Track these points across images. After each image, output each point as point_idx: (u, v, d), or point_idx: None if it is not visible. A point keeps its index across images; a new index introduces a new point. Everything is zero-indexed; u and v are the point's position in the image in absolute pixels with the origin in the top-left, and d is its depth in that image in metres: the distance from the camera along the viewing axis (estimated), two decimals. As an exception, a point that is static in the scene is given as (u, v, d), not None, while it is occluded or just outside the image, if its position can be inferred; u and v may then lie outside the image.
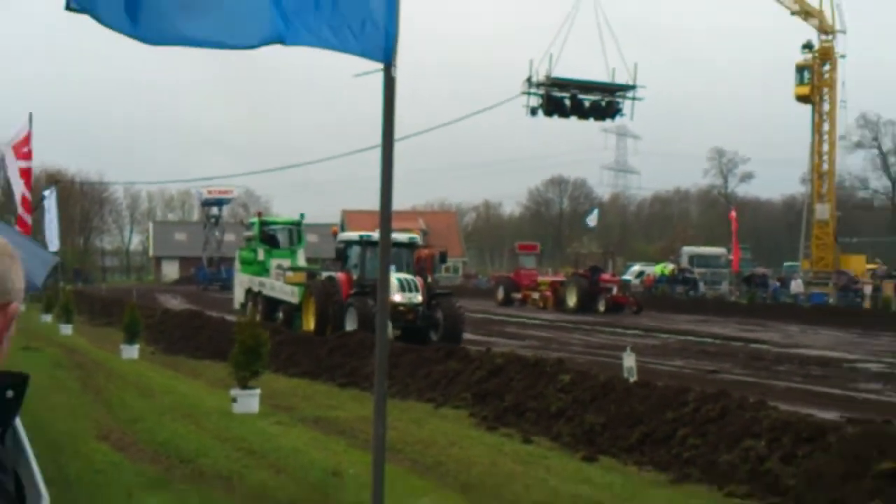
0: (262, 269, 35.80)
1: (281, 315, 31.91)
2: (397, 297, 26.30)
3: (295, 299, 30.84)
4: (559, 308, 50.11)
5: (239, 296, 36.33)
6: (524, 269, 60.51)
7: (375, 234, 28.59)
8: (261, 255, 36.52)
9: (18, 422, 2.36)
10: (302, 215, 39.77)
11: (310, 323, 28.48)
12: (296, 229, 38.24)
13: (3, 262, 2.24)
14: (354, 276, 28.56)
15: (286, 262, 35.34)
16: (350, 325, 26.28)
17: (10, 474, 2.09)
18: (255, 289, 34.39)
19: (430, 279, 33.58)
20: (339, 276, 28.57)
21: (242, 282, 36.34)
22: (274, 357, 18.37)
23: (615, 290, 50.08)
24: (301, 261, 36.56)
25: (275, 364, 19.16)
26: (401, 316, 26.36)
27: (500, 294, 57.20)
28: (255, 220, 39.29)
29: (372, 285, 25.94)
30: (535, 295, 53.69)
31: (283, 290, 32.00)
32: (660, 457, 12.28)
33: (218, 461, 11.76)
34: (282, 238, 37.61)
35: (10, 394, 2.24)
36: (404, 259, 28.87)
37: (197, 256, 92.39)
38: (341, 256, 29.65)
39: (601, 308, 48.44)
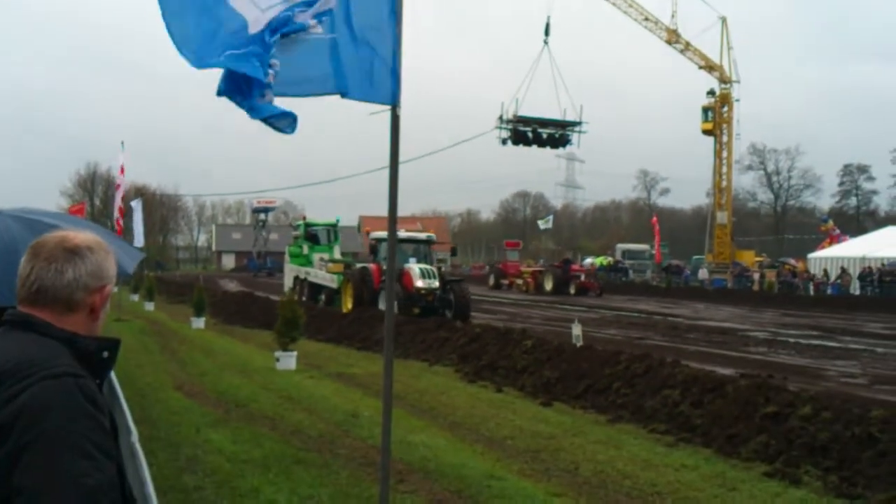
0: (307, 261, 35.21)
1: (323, 297, 31.44)
2: (420, 283, 25.78)
3: (334, 285, 30.24)
4: (538, 291, 49.63)
5: (288, 282, 35.69)
6: (510, 261, 60.07)
7: (401, 233, 27.87)
8: (305, 250, 35.89)
9: (113, 375, 2.37)
10: (338, 218, 39.32)
11: (348, 304, 27.68)
12: (332, 229, 37.60)
13: (101, 255, 2.26)
14: (384, 267, 26.96)
15: (326, 256, 34.73)
16: (382, 305, 24.73)
17: (107, 415, 2.08)
18: (302, 276, 33.94)
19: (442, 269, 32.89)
20: (372, 266, 27.61)
21: (291, 271, 35.89)
22: (307, 327, 18.32)
23: (583, 277, 49.70)
24: (337, 254, 35.88)
25: (307, 332, 19.11)
26: (422, 298, 25.68)
27: (492, 280, 56.67)
28: (301, 222, 38.66)
29: (399, 274, 25.88)
30: (520, 281, 53.10)
31: (325, 277, 31.51)
32: (599, 403, 12.28)
33: (264, 405, 11.76)
34: (321, 236, 36.89)
35: (105, 354, 2.25)
36: (423, 252, 28.16)
37: (248, 251, 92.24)
38: (373, 251, 28.60)
39: (572, 291, 47.89)
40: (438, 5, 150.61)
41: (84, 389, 2.03)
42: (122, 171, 28.02)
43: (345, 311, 26.88)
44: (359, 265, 30.01)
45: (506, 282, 55.08)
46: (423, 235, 29.89)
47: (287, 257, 37.28)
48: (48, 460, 1.90)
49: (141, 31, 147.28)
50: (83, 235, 2.27)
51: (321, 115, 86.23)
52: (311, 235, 36.52)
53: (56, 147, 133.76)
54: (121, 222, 27.80)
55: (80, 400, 2.00)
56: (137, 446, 4.57)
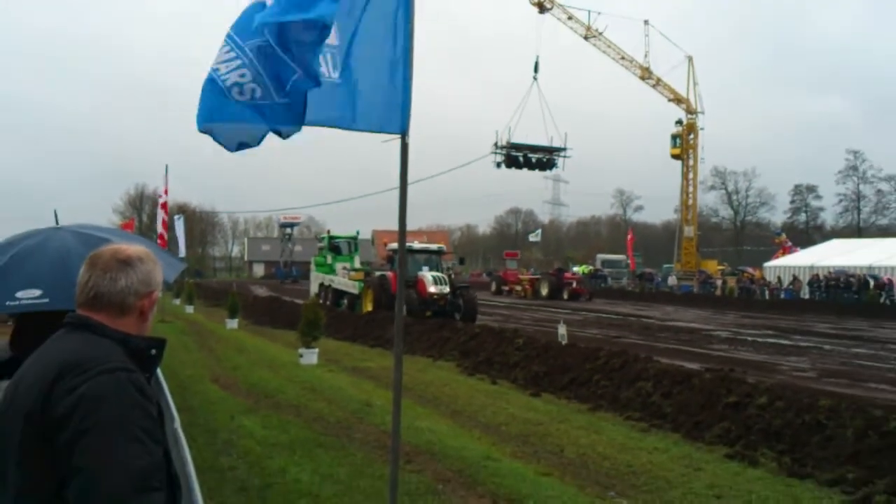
0: (330, 270, 34.58)
1: (346, 302, 30.79)
2: (432, 289, 25.43)
3: (356, 291, 29.60)
4: (535, 297, 48.91)
5: (314, 288, 35.00)
6: (509, 269, 59.28)
7: (416, 244, 28.63)
8: (329, 260, 35.37)
9: (159, 370, 2.39)
10: (357, 231, 38.74)
11: (368, 307, 27.23)
12: (353, 241, 37.10)
13: (149, 265, 2.29)
14: None
15: (347, 265, 34.16)
16: None
17: (155, 405, 2.11)
18: (326, 283, 33.35)
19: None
20: (389, 274, 27.19)
21: (317, 278, 35.23)
22: (327, 327, 18.29)
23: (574, 284, 49.10)
24: (357, 263, 35.25)
25: (327, 332, 19.08)
26: (434, 302, 25.28)
27: (493, 287, 55.78)
28: (325, 235, 38.17)
29: (413, 281, 25.75)
30: (518, 287, 52.27)
31: (347, 284, 30.89)
32: (582, 393, 12.26)
33: (290, 396, 11.75)
34: (343, 247, 36.38)
35: (153, 352, 2.27)
36: (434, 262, 27.66)
37: (276, 261, 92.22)
38: (391, 260, 28.22)
39: (565, 297, 47.41)
40: (439, 44, 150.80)
41: (135, 382, 2.05)
42: (167, 191, 28.22)
43: (365, 313, 26.56)
44: (377, 273, 29.59)
45: (506, 288, 54.22)
46: (434, 246, 29.49)
47: (313, 266, 36.77)
48: (104, 444, 1.92)
49: (175, 60, 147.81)
50: (134, 248, 2.30)
51: (337, 140, 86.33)
52: (335, 247, 36.07)
53: (105, 167, 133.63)
54: (165, 236, 27.85)
55: (132, 392, 2.02)
56: (180, 432, 4.57)
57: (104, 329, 2.16)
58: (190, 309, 33.72)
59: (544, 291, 48.94)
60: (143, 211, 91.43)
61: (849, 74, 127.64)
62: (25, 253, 3.57)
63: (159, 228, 27.80)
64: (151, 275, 2.28)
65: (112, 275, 2.20)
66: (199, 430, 8.98)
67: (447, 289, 25.83)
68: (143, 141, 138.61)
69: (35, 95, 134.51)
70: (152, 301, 2.28)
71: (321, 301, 31.44)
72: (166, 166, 27.17)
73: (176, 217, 33.71)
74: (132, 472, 1.92)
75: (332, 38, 4.23)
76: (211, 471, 7.22)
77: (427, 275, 26.05)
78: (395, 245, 28.09)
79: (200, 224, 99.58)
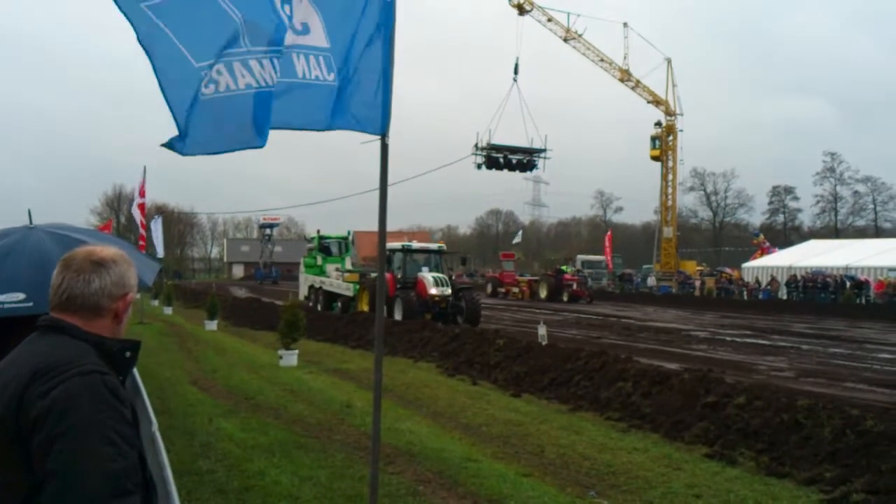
0: (321, 271, 33.39)
1: (339, 304, 29.78)
2: (433, 291, 24.45)
3: (350, 293, 28.54)
4: (533, 299, 47.56)
5: (304, 291, 33.89)
6: (505, 270, 56.50)
7: (414, 244, 27.73)
8: (319, 261, 34.03)
9: (135, 372, 2.36)
10: (349, 232, 36.92)
11: (364, 310, 26.03)
12: (344, 242, 35.47)
13: (124, 266, 2.27)
14: (398, 276, 25.76)
15: (339, 266, 32.76)
16: (398, 313, 23.70)
17: (130, 408, 2.09)
18: (317, 286, 32.12)
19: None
20: (386, 275, 26.34)
21: (306, 280, 33.91)
22: (307, 328, 18.22)
23: (574, 286, 47.20)
24: (349, 265, 33.81)
25: (307, 333, 19.01)
26: (436, 304, 24.31)
27: (489, 289, 53.53)
28: (315, 235, 35.87)
29: (412, 282, 25.05)
30: (515, 289, 50.97)
31: (341, 286, 29.85)
32: (562, 394, 12.28)
33: (270, 398, 11.69)
34: (333, 248, 34.90)
35: (128, 354, 2.26)
36: (433, 262, 26.72)
37: (255, 262, 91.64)
38: (388, 260, 26.39)
39: (565, 298, 45.92)
40: (419, 45, 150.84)
41: (109, 385, 2.03)
42: (143, 193, 27.74)
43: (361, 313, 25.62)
44: (373, 274, 28.15)
45: (502, 290, 52.54)
46: (434, 246, 28.54)
47: (302, 268, 35.59)
48: (78, 447, 1.91)
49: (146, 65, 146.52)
50: (108, 249, 2.28)
51: (318, 140, 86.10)
52: (325, 247, 34.73)
53: (83, 169, 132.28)
54: (143, 237, 27.61)
55: (106, 394, 2.01)
56: (157, 435, 4.52)
57: (78, 331, 2.14)
58: (168, 310, 33.51)
59: (543, 294, 47.84)
60: (120, 212, 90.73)
61: (826, 77, 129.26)
62: (1, 254, 3.52)
63: (138, 229, 27.58)
64: (126, 276, 2.25)
65: (86, 276, 2.18)
66: (178, 433, 8.91)
67: (449, 290, 24.96)
68: (121, 142, 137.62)
69: (11, 97, 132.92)
70: (127, 303, 2.26)
71: (311, 304, 30.94)
72: (144, 167, 26.94)
73: (154, 219, 33.43)
74: (107, 475, 1.90)
75: (322, 41, 4.24)
76: (189, 474, 7.17)
77: (427, 275, 25.24)
78: (392, 244, 27.09)
79: (179, 225, 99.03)
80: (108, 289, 2.20)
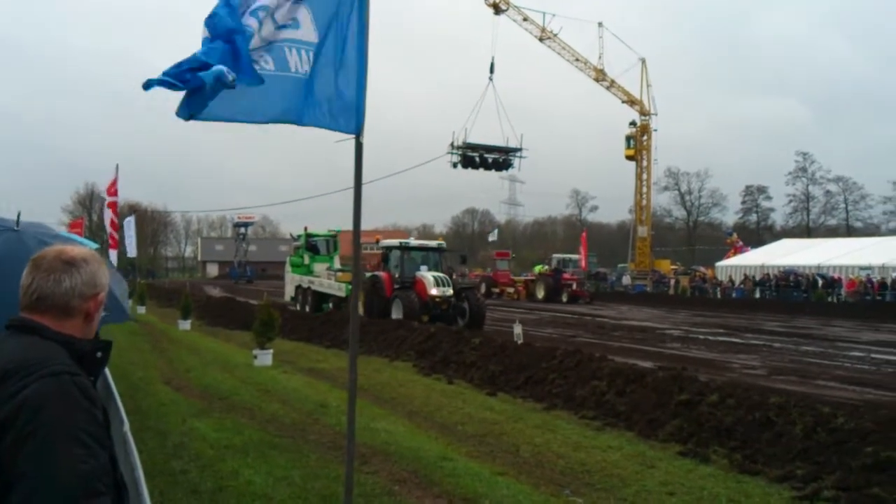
0: (308, 271, 31.65)
1: (331, 305, 28.77)
2: (434, 291, 23.17)
3: (342, 293, 27.18)
4: (531, 299, 46.55)
5: (290, 291, 32.44)
6: (500, 270, 55.61)
7: (413, 241, 26.55)
8: (306, 260, 32.53)
9: (107, 372, 2.35)
10: (339, 229, 34.42)
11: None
12: (332, 240, 33.46)
13: (94, 266, 2.25)
14: (396, 275, 24.56)
15: (328, 266, 31.40)
16: (396, 314, 22.76)
17: (101, 409, 2.08)
18: (305, 286, 30.68)
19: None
20: (383, 274, 24.66)
21: (293, 280, 32.34)
22: (282, 328, 18.14)
23: (574, 286, 46.11)
24: (337, 264, 32.26)
25: (282, 332, 18.93)
26: (437, 306, 23.05)
27: (482, 289, 50.16)
28: (302, 233, 33.98)
29: (411, 281, 23.84)
30: (511, 289, 50.00)
31: (332, 286, 28.72)
32: (537, 392, 12.32)
33: (244, 397, 11.63)
34: (321, 247, 33.28)
35: (99, 354, 2.24)
36: (433, 260, 25.36)
37: (230, 261, 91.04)
38: (384, 259, 25.74)
39: (564, 299, 44.75)
40: (393, 43, 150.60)
41: (80, 386, 2.02)
42: (115, 191, 27.09)
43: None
44: (369, 274, 27.15)
45: (497, 290, 51.05)
46: (433, 243, 27.01)
47: (288, 267, 34.01)
48: (47, 448, 1.90)
49: (123, 63, 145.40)
50: (79, 249, 2.27)
51: (290, 139, 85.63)
52: (312, 246, 33.22)
53: (56, 169, 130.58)
54: (115, 236, 27.18)
55: (77, 395, 1.99)
56: (129, 435, 4.49)
57: (48, 332, 2.12)
58: (142, 309, 33.15)
59: (540, 294, 46.82)
60: (92, 210, 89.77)
61: (798, 76, 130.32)
62: None
63: (108, 229, 27.11)
64: (96, 276, 2.24)
65: (56, 276, 2.16)
66: (150, 434, 8.83)
67: (450, 291, 23.71)
68: (94, 140, 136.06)
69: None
70: (98, 303, 2.24)
71: (298, 307, 30.06)
72: (116, 165, 26.61)
73: (127, 218, 33.05)
74: (77, 476, 1.89)
75: (311, 35, 4.26)
76: (162, 474, 7.11)
77: (427, 275, 23.98)
78: (389, 241, 26.69)
79: (152, 224, 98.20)
80: (79, 288, 2.18)
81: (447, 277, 24.47)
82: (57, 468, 1.88)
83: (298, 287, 31.50)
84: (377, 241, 29.50)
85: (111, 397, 5.24)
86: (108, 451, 2.05)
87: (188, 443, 8.53)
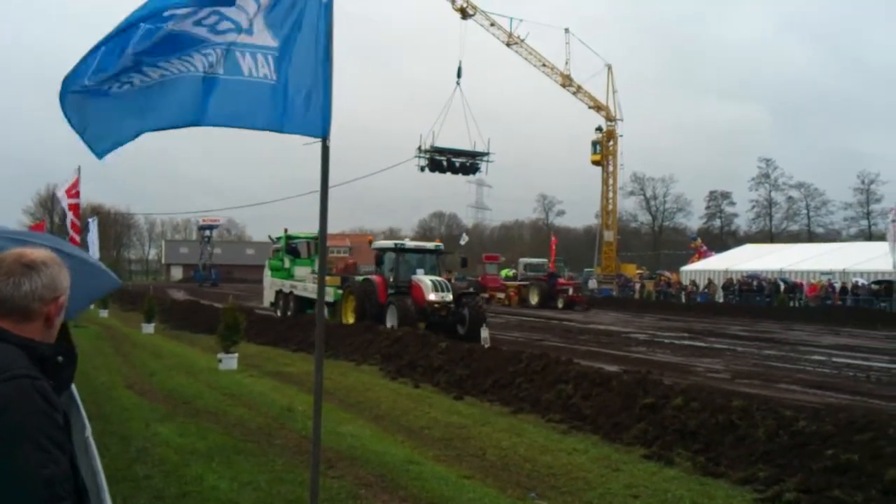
0: (288, 275, 30.01)
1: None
2: (432, 297, 21.70)
3: (330, 298, 25.14)
4: (523, 305, 44.88)
5: (269, 296, 30.90)
6: (489, 274, 53.55)
7: (408, 243, 24.93)
8: (286, 264, 30.69)
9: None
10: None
11: (349, 318, 23.23)
12: (314, 242, 30.77)
13: (55, 269, 2.23)
14: (390, 279, 23.15)
15: (311, 269, 29.25)
16: (391, 320, 21.40)
17: (61, 413, 2.05)
18: (286, 290, 29.09)
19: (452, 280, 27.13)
20: (376, 278, 23.19)
21: (273, 284, 30.66)
22: (247, 331, 18.00)
23: (570, 291, 44.69)
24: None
25: (248, 336, 18.78)
26: (435, 312, 21.60)
27: None
28: (282, 235, 32.13)
29: (407, 286, 22.60)
30: (501, 295, 48.03)
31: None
32: (504, 396, 12.34)
33: (209, 402, 11.53)
34: (302, 249, 31.60)
35: (60, 359, 2.23)
36: (429, 263, 23.90)
37: (194, 264, 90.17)
38: (378, 261, 24.22)
39: (559, 305, 42.92)
40: (359, 47, 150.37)
41: (39, 390, 1.99)
42: (75, 193, 26.59)
43: (344, 323, 22.86)
44: (360, 278, 25.84)
45: (486, 295, 46.78)
46: (431, 245, 25.32)
47: (267, 271, 32.23)
48: (7, 452, 1.87)
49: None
50: (39, 252, 2.23)
51: (257, 142, 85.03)
52: (292, 248, 31.61)
53: (15, 170, 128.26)
54: (76, 238, 26.75)
55: (37, 399, 1.97)
56: (91, 440, 4.43)
57: (7, 335, 2.09)
58: (104, 313, 32.70)
59: (534, 300, 44.95)
60: (54, 212, 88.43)
61: (759, 82, 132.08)
62: None
63: (69, 231, 26.66)
64: (57, 279, 2.21)
65: (15, 279, 2.13)
66: (113, 439, 8.72)
67: (450, 296, 22.21)
68: (53, 140, 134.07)
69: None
70: (59, 306, 2.22)
71: (279, 313, 28.70)
72: (78, 167, 26.21)
73: (90, 219, 32.58)
74: (38, 482, 1.87)
75: (270, 40, 4.26)
76: (125, 480, 7.02)
77: (425, 279, 22.57)
78: (382, 243, 25.73)
79: (115, 226, 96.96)
80: (39, 292, 2.15)
81: (446, 282, 23.20)
82: (17, 472, 1.86)
83: (279, 292, 29.96)
84: (370, 242, 28.26)
85: (73, 402, 5.17)
86: (70, 456, 2.02)
87: (151, 448, 8.44)
